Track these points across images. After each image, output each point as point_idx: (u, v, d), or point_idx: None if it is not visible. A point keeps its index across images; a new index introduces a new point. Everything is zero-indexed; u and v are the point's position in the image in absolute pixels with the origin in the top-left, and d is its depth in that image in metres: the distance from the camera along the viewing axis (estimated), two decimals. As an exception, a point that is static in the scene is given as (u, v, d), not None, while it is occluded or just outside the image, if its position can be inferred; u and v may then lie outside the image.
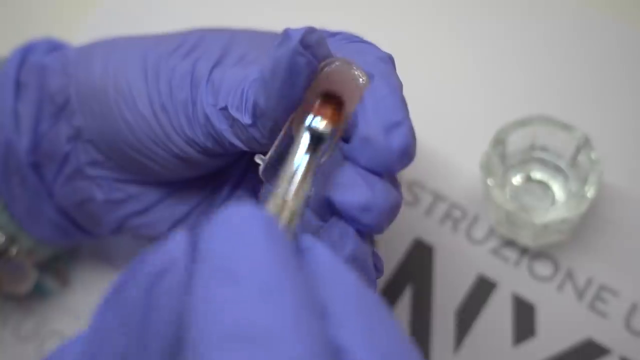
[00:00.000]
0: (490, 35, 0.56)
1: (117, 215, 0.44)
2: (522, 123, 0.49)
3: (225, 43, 0.40)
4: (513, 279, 0.50)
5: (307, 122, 0.34)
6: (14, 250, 0.46)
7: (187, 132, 0.39)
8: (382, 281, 0.50)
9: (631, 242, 0.50)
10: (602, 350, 0.48)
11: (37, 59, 0.44)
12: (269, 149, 0.36)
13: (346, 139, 0.36)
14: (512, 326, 0.49)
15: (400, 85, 0.36)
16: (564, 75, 0.54)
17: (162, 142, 0.40)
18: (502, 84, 0.54)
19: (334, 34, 0.39)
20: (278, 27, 0.39)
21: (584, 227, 0.50)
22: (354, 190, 0.35)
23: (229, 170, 0.44)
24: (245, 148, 0.38)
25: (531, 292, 0.49)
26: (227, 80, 0.38)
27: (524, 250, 0.50)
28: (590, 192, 0.47)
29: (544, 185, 0.51)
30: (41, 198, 0.44)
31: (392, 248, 0.51)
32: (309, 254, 0.30)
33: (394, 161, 0.35)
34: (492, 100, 0.54)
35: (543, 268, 0.50)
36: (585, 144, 0.48)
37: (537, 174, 0.51)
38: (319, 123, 0.34)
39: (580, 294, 0.49)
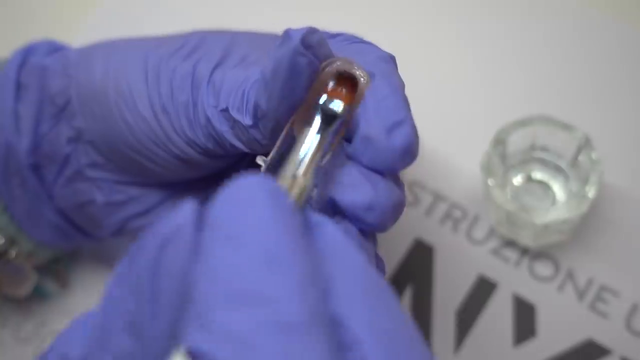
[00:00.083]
0: (490, 35, 0.56)
1: (118, 217, 0.44)
2: (523, 123, 0.49)
3: (226, 44, 0.40)
4: (513, 279, 0.50)
5: (320, 101, 0.35)
6: (13, 253, 0.46)
7: (188, 133, 0.39)
8: (382, 281, 0.50)
9: (632, 242, 0.50)
10: (603, 351, 0.48)
11: (38, 60, 0.44)
12: (270, 150, 0.36)
13: (348, 139, 0.36)
14: (512, 326, 0.49)
15: (402, 85, 0.36)
16: (565, 75, 0.54)
17: (163, 143, 0.40)
18: (502, 84, 0.54)
19: (334, 35, 0.39)
20: (278, 27, 0.39)
21: (585, 227, 0.50)
22: (357, 189, 0.35)
23: (230, 171, 0.44)
24: (246, 149, 0.38)
25: (532, 292, 0.49)
26: (228, 82, 0.38)
27: (524, 251, 0.50)
28: (590, 192, 0.47)
29: (545, 186, 0.51)
30: (41, 200, 0.44)
31: (393, 248, 0.51)
32: (318, 230, 0.30)
33: (396, 160, 0.35)
34: (492, 100, 0.54)
35: (543, 268, 0.50)
36: (585, 144, 0.48)
37: (538, 174, 0.51)
38: (333, 103, 0.35)
39: (580, 295, 0.49)
